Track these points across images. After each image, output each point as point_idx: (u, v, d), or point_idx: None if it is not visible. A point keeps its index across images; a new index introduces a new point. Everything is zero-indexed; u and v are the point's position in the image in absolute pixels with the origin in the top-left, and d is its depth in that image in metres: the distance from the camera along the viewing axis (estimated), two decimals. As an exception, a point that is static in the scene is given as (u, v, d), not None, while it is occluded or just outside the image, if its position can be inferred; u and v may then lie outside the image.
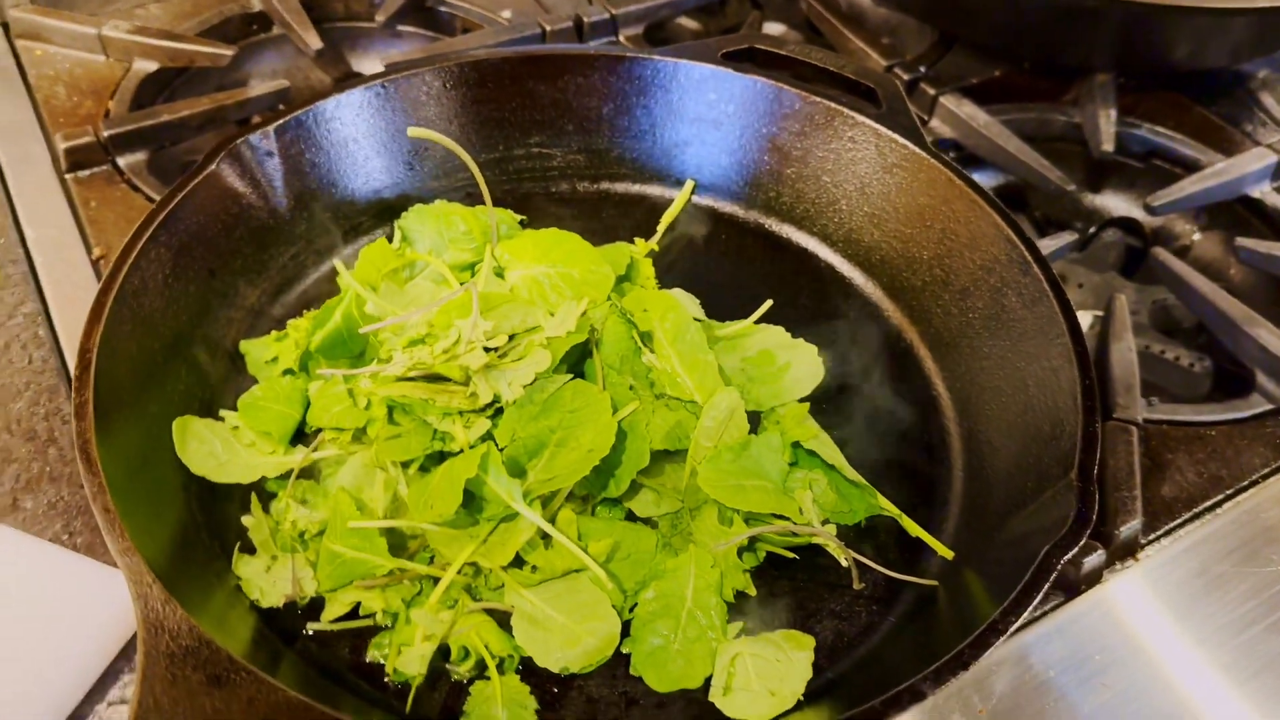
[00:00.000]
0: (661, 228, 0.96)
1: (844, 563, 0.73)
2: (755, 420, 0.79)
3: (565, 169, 1.00)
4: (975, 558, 0.72)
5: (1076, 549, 0.63)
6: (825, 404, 0.83)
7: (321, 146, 0.90)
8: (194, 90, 1.16)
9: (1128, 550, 0.77)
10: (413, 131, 0.84)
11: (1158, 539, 0.79)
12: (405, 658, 0.66)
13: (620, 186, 1.01)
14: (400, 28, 1.28)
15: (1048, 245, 1.01)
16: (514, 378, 0.73)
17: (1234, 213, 1.12)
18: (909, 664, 0.60)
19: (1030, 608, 0.60)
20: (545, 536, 0.70)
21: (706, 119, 0.97)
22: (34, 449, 0.80)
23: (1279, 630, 0.74)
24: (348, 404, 0.76)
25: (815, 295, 0.92)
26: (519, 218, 0.94)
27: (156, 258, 0.77)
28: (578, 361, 0.78)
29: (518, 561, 0.70)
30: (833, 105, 0.92)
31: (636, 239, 0.94)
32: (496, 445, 0.71)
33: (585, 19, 1.21)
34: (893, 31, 1.29)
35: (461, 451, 0.71)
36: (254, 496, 0.74)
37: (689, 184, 0.99)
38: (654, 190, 1.00)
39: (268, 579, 0.70)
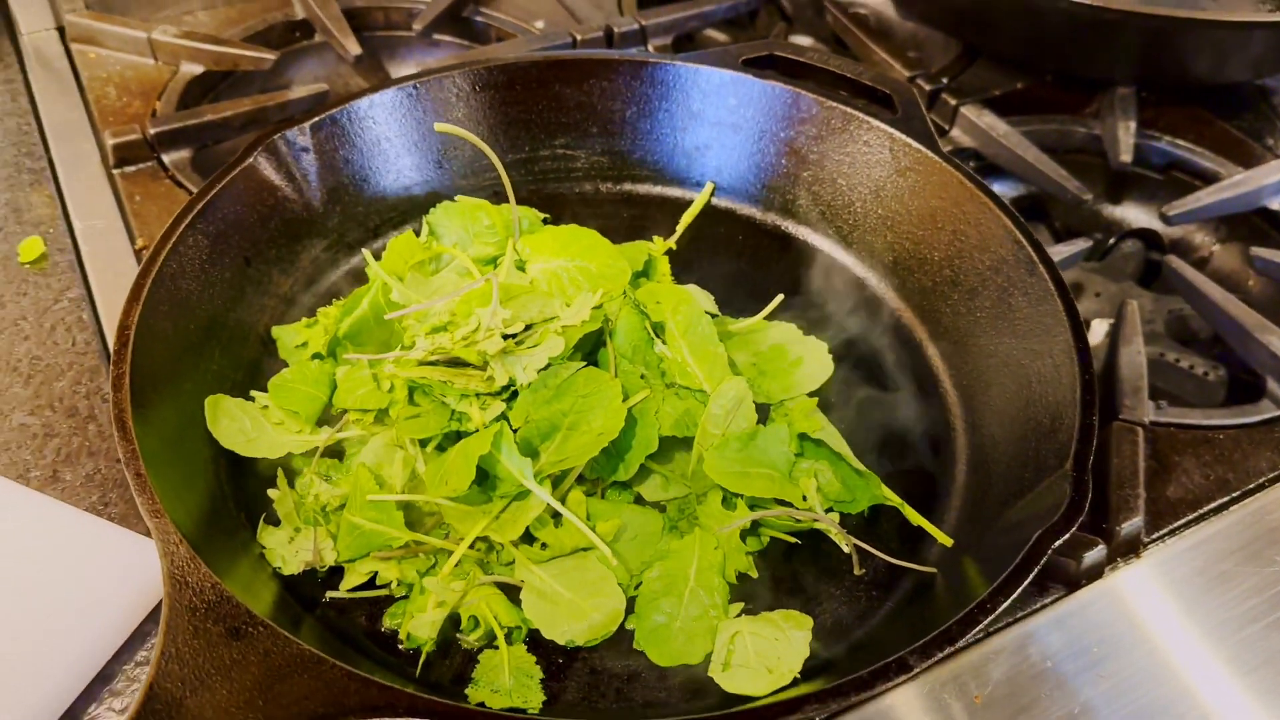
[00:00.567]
0: (681, 227, 0.98)
1: (845, 549, 0.74)
2: (765, 413, 0.81)
3: (589, 170, 1.03)
4: (973, 546, 0.73)
5: (1069, 534, 0.64)
6: (833, 398, 0.85)
7: (355, 144, 0.93)
8: (237, 93, 1.20)
9: (1130, 548, 0.78)
10: (440, 126, 0.88)
11: (1161, 538, 0.80)
12: (417, 622, 0.68)
13: (642, 188, 1.03)
14: (437, 36, 1.32)
15: (1061, 251, 1.02)
16: (529, 363, 0.75)
17: (1254, 225, 1.13)
18: (904, 646, 0.61)
19: (1020, 588, 0.61)
20: (555, 515, 0.73)
21: (726, 123, 0.99)
22: (74, 425, 0.84)
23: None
24: (372, 387, 0.79)
25: (828, 294, 0.94)
26: (543, 215, 0.96)
27: (194, 244, 0.81)
28: (592, 350, 0.81)
29: (528, 538, 0.73)
30: (849, 110, 0.94)
31: (655, 237, 0.96)
32: (510, 426, 0.74)
33: (615, 29, 1.25)
34: (919, 45, 1.31)
35: (477, 431, 0.73)
36: (280, 472, 0.77)
37: (709, 186, 1.01)
38: (674, 192, 1.02)
39: (290, 549, 0.73)
